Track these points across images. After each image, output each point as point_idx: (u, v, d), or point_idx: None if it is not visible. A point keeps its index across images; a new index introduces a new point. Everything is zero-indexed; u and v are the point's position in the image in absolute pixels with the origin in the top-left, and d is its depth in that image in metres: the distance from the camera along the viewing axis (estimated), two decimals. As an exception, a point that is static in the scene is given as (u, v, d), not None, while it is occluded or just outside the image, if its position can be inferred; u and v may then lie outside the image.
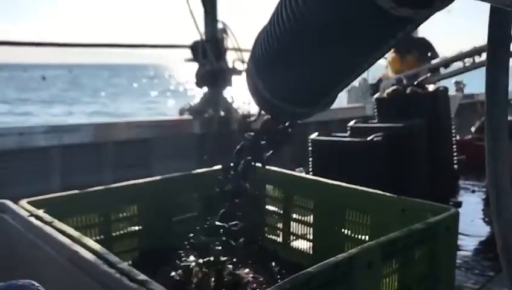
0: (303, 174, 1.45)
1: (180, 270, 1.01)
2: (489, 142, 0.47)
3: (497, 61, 0.50)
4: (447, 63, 4.00)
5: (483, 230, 1.98)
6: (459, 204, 2.31)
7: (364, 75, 5.79)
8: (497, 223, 0.47)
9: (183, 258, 1.03)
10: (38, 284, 0.42)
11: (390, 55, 5.11)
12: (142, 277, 0.67)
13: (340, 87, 0.65)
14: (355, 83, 5.65)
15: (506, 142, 0.48)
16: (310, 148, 2.31)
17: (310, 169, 2.27)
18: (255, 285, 1.00)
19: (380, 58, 0.54)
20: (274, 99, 0.67)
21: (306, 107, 0.70)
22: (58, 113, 21.91)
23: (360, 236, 1.20)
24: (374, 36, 0.48)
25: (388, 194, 1.15)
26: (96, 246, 0.79)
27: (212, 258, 0.95)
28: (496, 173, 0.46)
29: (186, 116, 3.45)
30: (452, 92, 5.22)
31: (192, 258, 1.01)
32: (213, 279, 0.94)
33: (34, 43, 3.54)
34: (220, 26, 3.53)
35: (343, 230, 1.25)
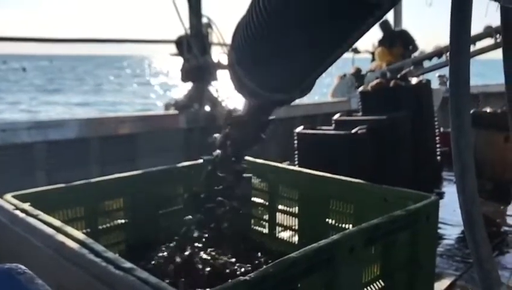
0: (287, 166, 1.47)
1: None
2: (454, 121, 0.49)
3: (460, 51, 0.52)
4: (430, 56, 4.06)
5: (465, 219, 2.02)
6: (441, 195, 2.35)
7: (350, 69, 5.83)
8: (462, 198, 0.49)
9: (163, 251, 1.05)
10: (24, 268, 0.43)
11: (377, 49, 5.20)
12: (127, 264, 0.68)
13: (316, 73, 0.67)
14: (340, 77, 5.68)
15: (468, 120, 0.50)
16: (296, 142, 2.33)
17: (296, 162, 2.29)
18: (241, 273, 1.01)
19: (353, 44, 0.56)
20: (254, 86, 0.69)
21: (285, 93, 0.72)
22: (41, 104, 21.55)
23: (344, 225, 1.23)
24: (348, 21, 0.50)
25: (370, 183, 1.17)
26: (82, 237, 0.80)
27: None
28: (460, 150, 0.48)
29: (172, 111, 3.45)
30: (436, 85, 5.29)
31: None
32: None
33: (15, 38, 3.51)
34: (204, 20, 3.52)
35: (327, 220, 1.27)
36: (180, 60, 3.55)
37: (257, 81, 0.69)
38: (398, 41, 4.81)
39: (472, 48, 3.34)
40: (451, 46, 0.53)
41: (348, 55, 6.16)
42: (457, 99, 0.50)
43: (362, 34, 0.53)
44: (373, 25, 0.51)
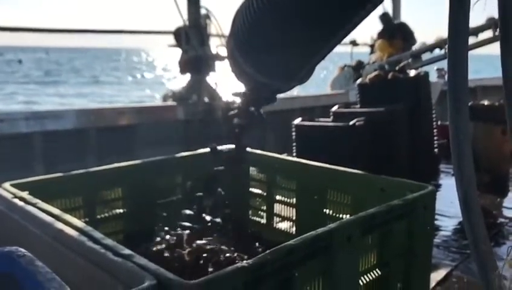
0: (285, 157, 1.47)
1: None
2: (452, 110, 0.50)
3: (458, 47, 0.52)
4: (430, 48, 4.06)
5: (462, 211, 2.03)
6: (439, 187, 2.37)
7: (348, 62, 5.82)
8: (459, 179, 0.50)
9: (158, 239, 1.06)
10: (24, 250, 0.44)
11: (377, 41, 5.20)
12: (126, 251, 0.68)
13: (314, 60, 0.67)
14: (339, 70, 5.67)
15: (466, 109, 0.50)
16: (294, 133, 2.33)
17: (294, 154, 2.29)
18: (238, 261, 1.02)
19: (348, 33, 0.57)
20: (254, 72, 0.69)
21: (284, 80, 0.72)
22: (38, 95, 21.41)
23: (341, 215, 1.23)
24: (342, 11, 0.51)
25: (367, 173, 1.18)
26: (81, 224, 0.80)
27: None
28: (457, 135, 0.48)
29: (170, 103, 3.44)
30: (434, 78, 5.30)
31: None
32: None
33: (11, 28, 3.49)
34: (203, 12, 3.51)
35: (325, 210, 1.28)
36: (178, 52, 3.54)
37: (256, 68, 0.69)
38: (397, 34, 4.81)
39: (474, 40, 3.33)
40: (449, 27, 0.53)
41: (346, 48, 6.15)
42: (455, 83, 0.50)
43: (356, 24, 0.54)
44: (365, 17, 0.53)
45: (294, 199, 1.38)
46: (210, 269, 0.94)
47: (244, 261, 0.65)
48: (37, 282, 0.41)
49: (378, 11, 5.34)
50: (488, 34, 3.53)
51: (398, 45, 4.74)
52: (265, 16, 0.58)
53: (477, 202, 0.49)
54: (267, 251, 0.68)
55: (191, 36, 3.35)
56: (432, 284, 1.38)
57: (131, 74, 35.61)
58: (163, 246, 1.06)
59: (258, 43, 0.65)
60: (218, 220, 1.14)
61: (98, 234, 0.75)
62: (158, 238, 1.15)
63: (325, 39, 0.60)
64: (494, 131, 2.41)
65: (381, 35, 5.06)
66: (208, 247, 1.01)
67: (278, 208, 1.43)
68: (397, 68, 2.65)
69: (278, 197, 1.42)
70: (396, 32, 4.86)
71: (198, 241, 1.03)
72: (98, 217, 1.25)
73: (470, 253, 1.62)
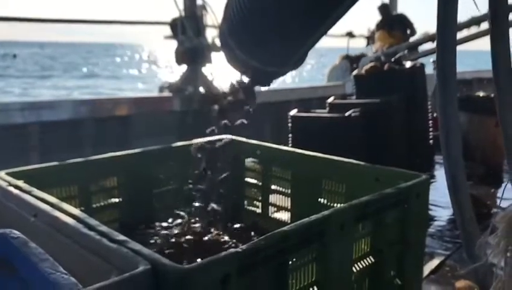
0: (280, 146, 1.47)
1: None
2: (440, 89, 0.50)
3: (447, 41, 0.53)
4: (428, 40, 4.06)
5: (456, 202, 2.05)
6: (433, 177, 2.38)
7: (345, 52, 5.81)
8: (447, 163, 0.50)
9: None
10: (18, 233, 0.44)
11: (377, 33, 5.21)
12: (121, 237, 0.69)
13: (307, 46, 0.67)
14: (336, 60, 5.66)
15: (455, 91, 0.51)
16: (290, 124, 2.33)
17: (290, 145, 2.30)
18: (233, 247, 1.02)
19: (340, 18, 0.58)
20: (246, 58, 0.69)
21: (277, 66, 0.72)
22: (34, 89, 21.25)
23: (336, 205, 1.24)
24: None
25: (362, 163, 1.18)
26: (76, 212, 0.80)
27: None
28: (446, 117, 0.49)
29: (166, 94, 3.44)
30: (430, 70, 5.30)
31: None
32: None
33: (5, 18, 3.47)
34: (199, 2, 3.49)
35: (320, 199, 1.28)
36: (174, 43, 3.53)
37: (249, 54, 0.69)
38: (397, 25, 4.83)
39: (476, 30, 3.34)
40: (438, 19, 0.54)
41: (343, 42, 6.14)
42: (443, 69, 0.50)
43: (349, 7, 0.55)
44: (351, 6, 0.54)
45: (290, 189, 1.38)
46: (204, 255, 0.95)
47: (238, 247, 0.66)
48: (31, 262, 0.41)
49: (377, 2, 5.34)
50: (486, 26, 3.53)
51: (398, 36, 4.76)
52: (257, 1, 0.58)
53: (465, 184, 0.50)
54: (261, 237, 0.69)
55: (187, 27, 3.34)
56: (426, 272, 1.39)
57: (126, 67, 35.43)
58: (159, 233, 1.07)
59: (250, 27, 0.65)
60: (214, 207, 1.15)
61: (93, 221, 0.76)
62: (154, 227, 1.16)
63: (318, 21, 0.60)
64: (489, 122, 2.43)
65: (380, 26, 5.07)
66: (204, 234, 1.02)
67: (273, 197, 1.44)
68: (393, 60, 2.66)
69: (273, 187, 1.43)
70: (395, 23, 4.88)
71: (194, 228, 1.04)
72: (94, 206, 1.25)
73: (462, 242, 1.63)
